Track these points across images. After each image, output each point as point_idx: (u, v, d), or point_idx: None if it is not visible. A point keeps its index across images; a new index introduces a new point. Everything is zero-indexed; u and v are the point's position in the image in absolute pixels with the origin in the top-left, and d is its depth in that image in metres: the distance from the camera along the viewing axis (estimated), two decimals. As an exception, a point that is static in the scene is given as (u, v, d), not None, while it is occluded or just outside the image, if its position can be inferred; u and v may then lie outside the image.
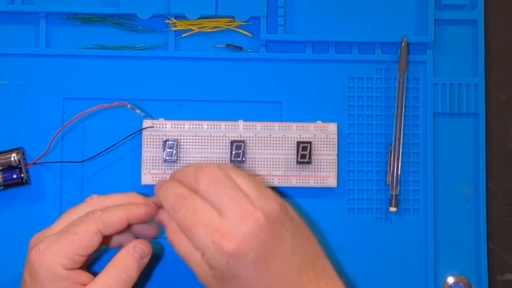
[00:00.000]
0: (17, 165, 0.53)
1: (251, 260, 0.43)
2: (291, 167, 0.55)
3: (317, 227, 0.55)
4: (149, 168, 0.54)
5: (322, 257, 0.48)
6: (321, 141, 0.55)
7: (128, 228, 0.49)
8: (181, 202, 0.45)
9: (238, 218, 0.44)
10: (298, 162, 0.54)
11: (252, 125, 0.55)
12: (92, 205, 0.49)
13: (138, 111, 0.54)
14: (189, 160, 0.54)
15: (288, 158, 0.55)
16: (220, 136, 0.55)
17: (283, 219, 0.46)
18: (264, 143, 0.55)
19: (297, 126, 0.55)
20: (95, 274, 0.47)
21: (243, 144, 0.54)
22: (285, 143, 0.55)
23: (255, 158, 0.55)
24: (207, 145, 0.55)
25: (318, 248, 0.48)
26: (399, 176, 0.55)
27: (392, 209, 0.55)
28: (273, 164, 0.55)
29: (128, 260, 0.47)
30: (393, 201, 0.55)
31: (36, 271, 0.45)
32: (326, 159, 0.55)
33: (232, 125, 0.55)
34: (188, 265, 0.46)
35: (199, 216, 0.44)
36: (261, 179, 0.54)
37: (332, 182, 0.55)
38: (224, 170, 0.46)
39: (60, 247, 0.46)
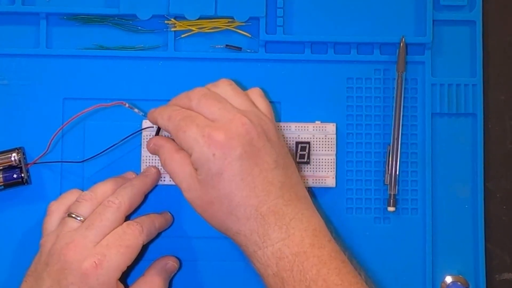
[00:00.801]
0: (18, 164, 0.54)
1: (237, 156, 0.46)
2: (290, 167, 0.55)
3: (316, 226, 0.55)
4: (149, 168, 0.54)
5: (303, 188, 0.49)
6: (320, 141, 0.55)
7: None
8: (177, 112, 0.48)
9: (227, 121, 0.46)
10: (297, 162, 0.54)
11: (251, 125, 0.55)
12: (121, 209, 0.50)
13: (136, 110, 0.54)
14: (188, 160, 0.54)
15: (287, 158, 0.55)
16: (219, 136, 0.55)
17: (272, 134, 0.48)
18: (263, 143, 0.55)
19: (296, 126, 0.55)
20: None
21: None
22: (284, 143, 0.55)
23: (254, 158, 0.55)
24: (207, 145, 0.55)
25: (300, 180, 0.49)
26: (397, 176, 0.55)
27: (391, 208, 0.55)
28: (272, 164, 0.55)
29: (161, 276, 0.51)
30: (392, 200, 0.55)
31: (92, 285, 0.46)
32: (325, 159, 0.55)
33: (231, 125, 0.55)
34: (178, 184, 0.48)
35: (193, 119, 0.47)
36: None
37: (330, 182, 0.55)
38: (215, 89, 0.49)
39: (116, 261, 0.47)
